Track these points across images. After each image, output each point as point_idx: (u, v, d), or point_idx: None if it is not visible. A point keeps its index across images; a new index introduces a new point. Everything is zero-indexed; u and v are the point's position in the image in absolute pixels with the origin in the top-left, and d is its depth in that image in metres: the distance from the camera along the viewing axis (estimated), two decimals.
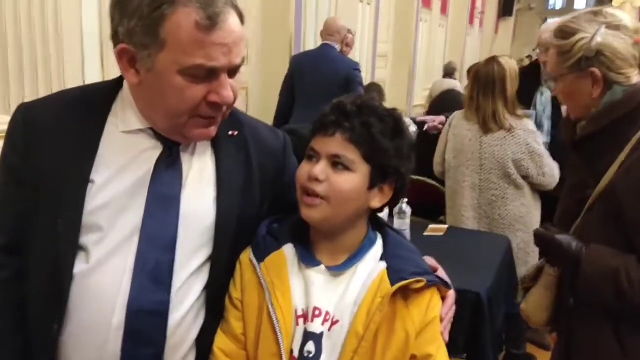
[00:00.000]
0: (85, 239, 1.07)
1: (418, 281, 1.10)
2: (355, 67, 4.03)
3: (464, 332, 2.05)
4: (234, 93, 1.06)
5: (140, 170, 1.09)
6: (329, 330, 1.10)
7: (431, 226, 2.79)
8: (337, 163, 1.09)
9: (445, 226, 2.81)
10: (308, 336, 1.09)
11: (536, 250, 2.97)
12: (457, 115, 2.92)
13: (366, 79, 4.78)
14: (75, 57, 2.37)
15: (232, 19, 1.01)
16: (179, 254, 1.09)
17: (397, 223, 2.36)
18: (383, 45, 7.26)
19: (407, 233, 2.34)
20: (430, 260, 1.22)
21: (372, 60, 6.85)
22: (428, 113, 4.30)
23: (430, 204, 3.14)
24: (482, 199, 2.84)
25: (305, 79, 3.96)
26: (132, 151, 1.10)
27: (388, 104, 5.34)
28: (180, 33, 0.97)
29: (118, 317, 1.05)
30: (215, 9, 0.98)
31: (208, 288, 1.14)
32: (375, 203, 1.14)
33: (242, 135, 1.19)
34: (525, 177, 2.77)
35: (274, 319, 1.09)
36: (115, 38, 1.03)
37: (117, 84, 1.13)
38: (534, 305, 1.62)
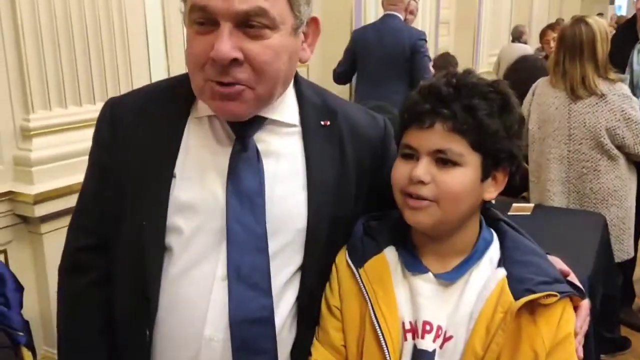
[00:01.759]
0: (170, 240, 0.99)
1: (549, 295, 0.91)
2: (421, 37, 3.80)
3: None
4: (251, 55, 0.89)
5: (218, 165, 1.00)
6: (441, 347, 0.96)
7: (515, 205, 2.59)
8: (442, 159, 0.94)
9: (531, 205, 2.61)
10: (418, 354, 0.96)
11: (631, 226, 2.75)
12: (541, 82, 2.69)
13: (429, 49, 4.51)
14: (140, 55, 2.39)
15: None
16: (272, 257, 0.99)
17: None
18: (445, 11, 6.93)
19: None
20: (558, 263, 1.03)
21: (434, 29, 6.54)
22: None
23: (511, 180, 2.93)
24: (571, 172, 2.61)
25: (369, 53, 3.75)
26: (208, 142, 1.02)
27: None
28: None
29: (210, 328, 0.98)
30: None
31: (300, 298, 1.04)
32: (490, 194, 0.99)
33: (336, 125, 1.06)
34: (620, 147, 2.52)
35: (379, 333, 0.96)
36: None
37: None
38: None
